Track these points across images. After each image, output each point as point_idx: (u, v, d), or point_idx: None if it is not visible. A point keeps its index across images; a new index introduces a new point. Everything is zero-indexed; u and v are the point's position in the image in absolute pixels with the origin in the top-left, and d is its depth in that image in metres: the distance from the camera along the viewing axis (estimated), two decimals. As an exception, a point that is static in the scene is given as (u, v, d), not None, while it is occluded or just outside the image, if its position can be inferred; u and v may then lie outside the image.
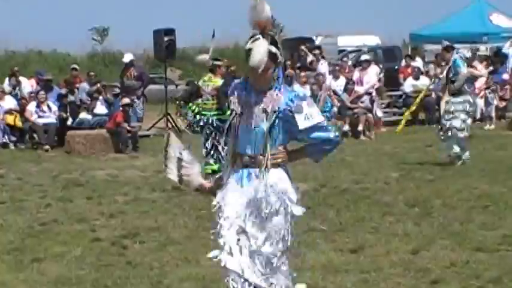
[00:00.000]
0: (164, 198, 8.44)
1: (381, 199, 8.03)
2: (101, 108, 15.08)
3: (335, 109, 15.49)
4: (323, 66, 17.67)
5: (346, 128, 15.07)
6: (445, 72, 10.46)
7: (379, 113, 16.16)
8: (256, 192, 3.78)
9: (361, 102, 15.56)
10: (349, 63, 18.36)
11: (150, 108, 17.92)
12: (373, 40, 24.76)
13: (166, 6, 60.29)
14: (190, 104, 8.94)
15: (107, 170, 10.85)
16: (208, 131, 8.98)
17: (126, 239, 6.47)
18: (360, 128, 14.92)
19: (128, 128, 13.53)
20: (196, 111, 8.99)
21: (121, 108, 13.92)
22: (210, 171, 8.75)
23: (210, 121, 8.93)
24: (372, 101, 16.20)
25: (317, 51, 18.56)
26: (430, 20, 24.33)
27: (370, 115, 15.28)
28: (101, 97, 15.33)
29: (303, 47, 19.39)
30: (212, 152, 8.92)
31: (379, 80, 17.04)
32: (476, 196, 7.98)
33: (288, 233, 3.87)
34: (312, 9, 59.78)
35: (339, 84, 16.22)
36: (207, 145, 8.97)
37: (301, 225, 6.85)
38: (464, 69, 10.16)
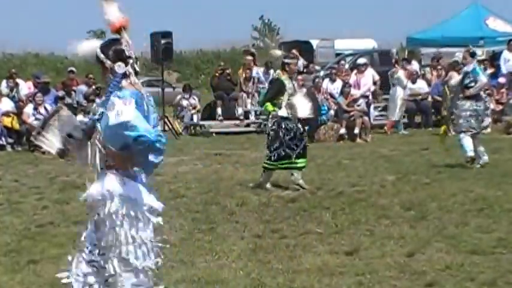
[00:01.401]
0: (160, 200, 8.43)
1: (377, 202, 8.05)
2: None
3: (332, 112, 15.54)
4: (255, 71, 17.67)
5: (343, 131, 15.10)
6: (459, 78, 10.50)
7: (397, 116, 16.19)
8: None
9: (357, 106, 15.60)
10: (346, 66, 18.39)
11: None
12: (370, 43, 24.80)
13: (163, 9, 60.37)
14: (267, 104, 8.98)
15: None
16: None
17: (123, 241, 6.47)
18: (356, 131, 14.95)
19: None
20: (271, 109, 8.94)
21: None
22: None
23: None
24: (368, 104, 16.26)
25: (250, 58, 18.01)
26: (427, 24, 24.39)
27: (366, 118, 15.32)
28: (97, 99, 15.35)
29: (293, 51, 19.37)
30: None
31: (375, 83, 17.06)
32: (472, 199, 8.00)
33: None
34: (309, 13, 59.86)
35: (336, 87, 16.26)
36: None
37: (297, 228, 6.92)
38: (484, 78, 10.46)
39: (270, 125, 8.94)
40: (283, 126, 8.76)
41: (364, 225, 6.95)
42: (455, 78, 10.86)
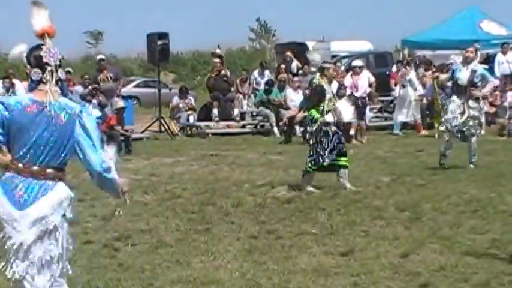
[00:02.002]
0: (156, 201, 8.47)
1: (372, 203, 8.08)
2: (94, 112, 15.04)
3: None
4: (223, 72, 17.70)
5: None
6: (465, 74, 10.35)
7: (417, 117, 16.34)
8: None
9: (354, 107, 15.62)
10: (342, 68, 18.44)
11: (144, 111, 17.95)
12: (365, 46, 24.87)
13: (160, 10, 60.36)
14: (312, 111, 8.92)
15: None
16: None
17: (118, 242, 6.50)
18: (352, 132, 14.99)
19: (121, 131, 13.55)
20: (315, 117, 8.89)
21: (115, 111, 13.98)
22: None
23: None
24: (364, 106, 16.29)
25: (218, 60, 17.96)
26: (422, 26, 24.47)
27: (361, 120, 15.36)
28: (94, 100, 15.34)
29: (288, 53, 19.47)
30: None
31: (371, 85, 17.11)
32: (466, 201, 8.05)
33: None
34: (305, 14, 59.95)
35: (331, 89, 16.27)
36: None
37: (292, 229, 6.95)
38: (494, 79, 10.41)
39: (310, 130, 8.88)
40: (324, 132, 8.72)
41: (359, 226, 6.98)
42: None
